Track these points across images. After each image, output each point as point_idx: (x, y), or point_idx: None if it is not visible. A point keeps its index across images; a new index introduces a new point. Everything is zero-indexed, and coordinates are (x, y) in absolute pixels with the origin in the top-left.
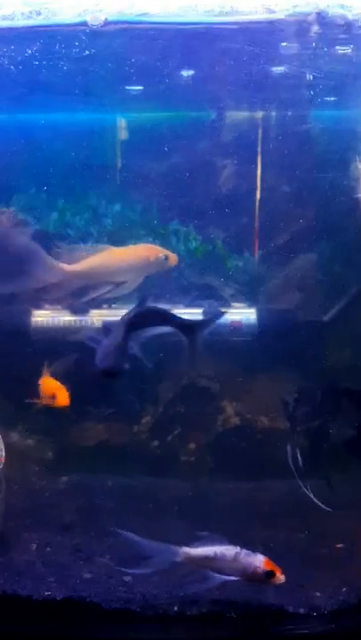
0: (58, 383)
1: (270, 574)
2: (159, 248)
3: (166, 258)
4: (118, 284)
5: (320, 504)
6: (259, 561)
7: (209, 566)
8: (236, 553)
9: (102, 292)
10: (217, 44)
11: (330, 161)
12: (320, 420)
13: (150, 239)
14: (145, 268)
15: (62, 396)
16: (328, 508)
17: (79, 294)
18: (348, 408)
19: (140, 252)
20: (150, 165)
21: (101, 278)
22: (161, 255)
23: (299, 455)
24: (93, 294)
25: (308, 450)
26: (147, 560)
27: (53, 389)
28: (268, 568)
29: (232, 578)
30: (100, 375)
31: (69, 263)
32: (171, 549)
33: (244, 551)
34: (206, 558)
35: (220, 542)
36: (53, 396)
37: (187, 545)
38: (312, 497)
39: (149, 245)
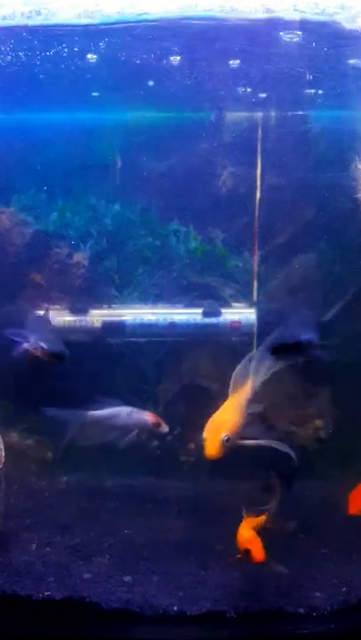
0: (252, 534)
1: (157, 425)
2: None
3: None
4: None
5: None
6: (147, 415)
7: (110, 424)
8: (130, 411)
9: None
10: None
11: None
12: None
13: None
14: None
15: (257, 550)
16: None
17: (79, 294)
18: None
19: None
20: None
21: None
22: None
23: None
24: None
25: None
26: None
27: (246, 543)
28: (155, 420)
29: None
30: None
31: None
32: (80, 413)
33: (135, 409)
34: (108, 417)
35: (117, 403)
36: (248, 551)
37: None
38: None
39: None
